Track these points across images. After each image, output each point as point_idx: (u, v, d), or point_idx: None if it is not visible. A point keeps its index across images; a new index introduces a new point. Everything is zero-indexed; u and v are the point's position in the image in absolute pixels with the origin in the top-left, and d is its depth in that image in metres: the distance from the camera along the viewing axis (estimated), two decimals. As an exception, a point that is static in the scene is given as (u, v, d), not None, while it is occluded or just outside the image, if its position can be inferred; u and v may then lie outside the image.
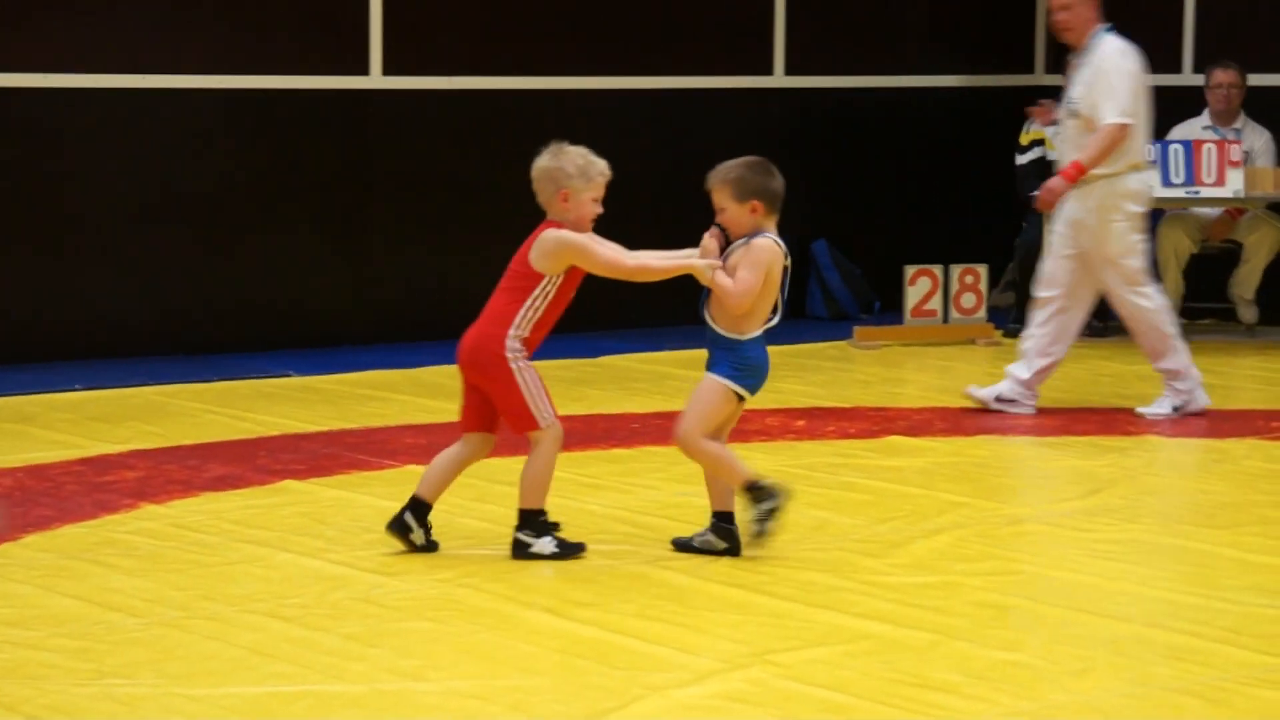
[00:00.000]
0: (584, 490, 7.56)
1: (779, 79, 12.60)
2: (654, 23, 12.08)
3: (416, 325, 11.36)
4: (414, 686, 5.19)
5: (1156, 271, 11.86)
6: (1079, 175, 8.98)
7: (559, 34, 11.77)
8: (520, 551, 6.50)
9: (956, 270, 11.62)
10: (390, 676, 5.27)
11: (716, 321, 6.52)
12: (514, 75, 11.56)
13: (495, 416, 6.60)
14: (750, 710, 4.98)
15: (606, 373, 10.38)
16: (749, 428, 8.88)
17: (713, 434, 6.53)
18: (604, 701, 5.03)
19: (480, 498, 7.38)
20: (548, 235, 6.45)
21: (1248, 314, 11.90)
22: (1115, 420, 9.07)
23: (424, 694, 5.12)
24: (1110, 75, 8.97)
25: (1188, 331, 11.78)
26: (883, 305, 12.53)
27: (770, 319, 6.54)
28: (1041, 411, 9.26)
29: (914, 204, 13.10)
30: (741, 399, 6.53)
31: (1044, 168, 12.07)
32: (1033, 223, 11.86)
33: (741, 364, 6.50)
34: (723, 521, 6.59)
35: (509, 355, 6.44)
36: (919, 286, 11.56)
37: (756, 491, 6.45)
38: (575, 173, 6.44)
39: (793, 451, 8.34)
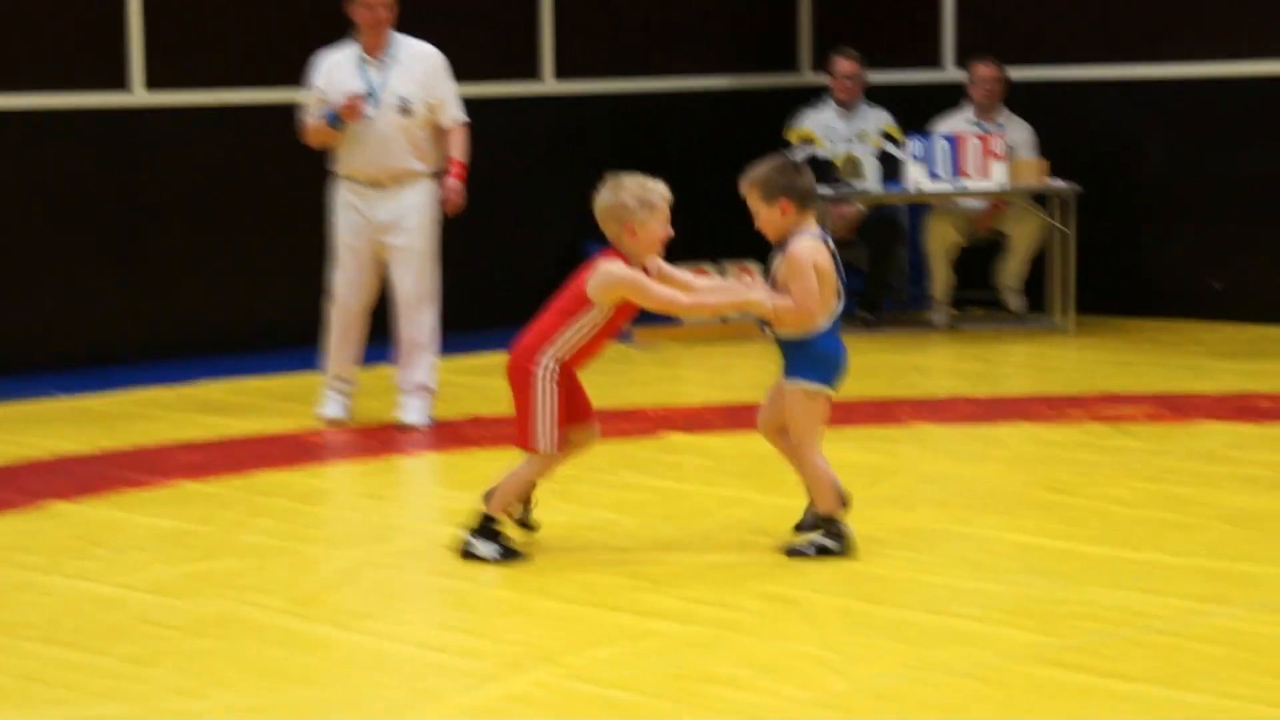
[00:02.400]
0: (364, 500, 7.50)
1: (548, 84, 12.61)
2: (421, 28, 12.01)
3: (188, 341, 11.19)
4: (194, 705, 5.09)
5: (926, 264, 12.06)
6: (466, 173, 9.13)
7: (324, 42, 11.66)
8: (465, 551, 6.48)
9: (731, 268, 11.69)
10: (170, 696, 5.18)
11: (781, 332, 6.50)
12: (279, 86, 11.44)
13: (579, 403, 6.58)
14: (535, 712, 4.96)
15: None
16: (529, 432, 8.86)
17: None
18: (387, 712, 4.98)
19: (256, 513, 7.28)
20: (603, 270, 6.44)
21: (1015, 303, 12.11)
22: (891, 410, 9.18)
23: (205, 712, 5.03)
24: (447, 74, 9.15)
25: (958, 322, 12.01)
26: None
27: (837, 307, 6.49)
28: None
29: (687, 203, 13.11)
30: (826, 395, 6.51)
31: (814, 165, 12.19)
32: (804, 220, 11.96)
33: (814, 360, 6.47)
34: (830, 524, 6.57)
35: (538, 371, 6.43)
36: (694, 286, 11.60)
37: (825, 525, 6.46)
38: (636, 205, 6.45)
39: (573, 454, 8.32)
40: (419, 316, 9.06)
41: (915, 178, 11.45)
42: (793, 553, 6.46)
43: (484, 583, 6.25)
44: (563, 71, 12.61)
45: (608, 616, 5.82)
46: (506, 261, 12.46)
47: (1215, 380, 9.76)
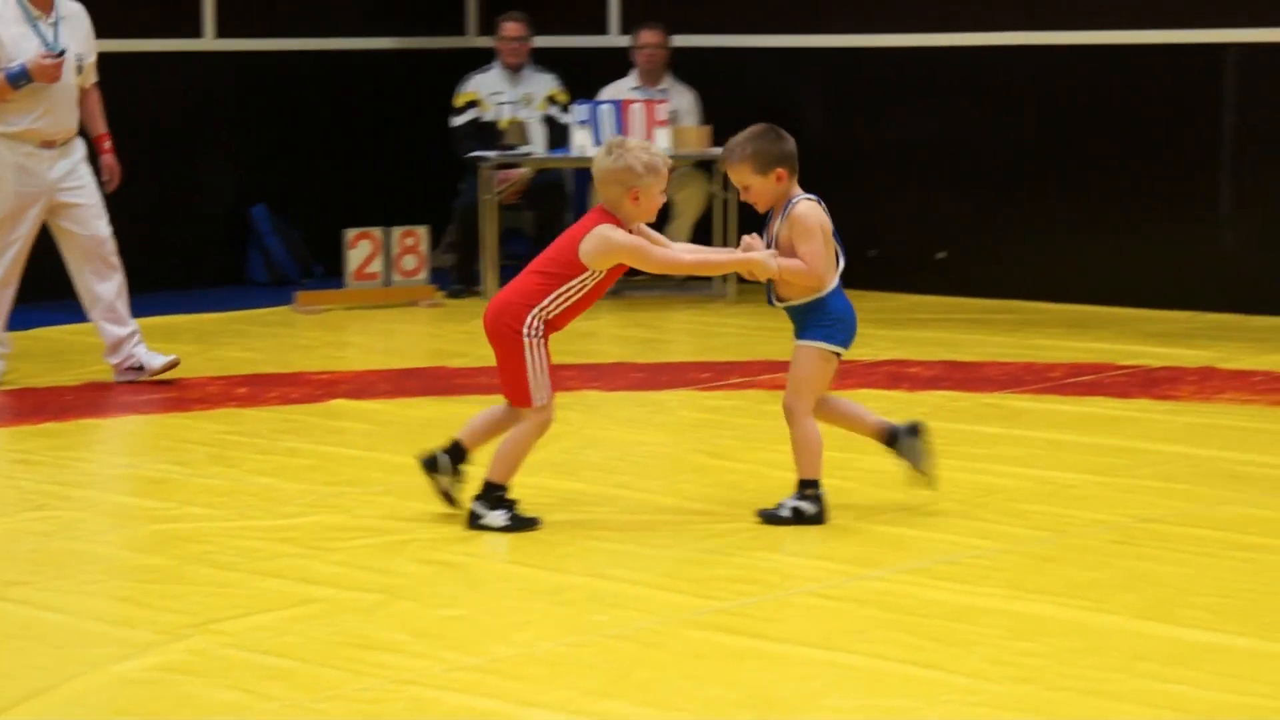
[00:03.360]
0: (17, 466, 7.32)
1: (209, 41, 12.41)
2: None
3: None
4: None
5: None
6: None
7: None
8: (473, 521, 6.36)
9: (397, 233, 11.65)
10: None
11: (789, 299, 6.43)
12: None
13: None
14: (190, 680, 4.89)
15: (41, 345, 10.07)
16: (189, 395, 8.74)
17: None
18: (37, 681, 4.87)
19: (-96, 479, 7.08)
20: (601, 236, 6.28)
21: (679, 269, 12.27)
22: (556, 377, 9.21)
23: None
24: (93, 32, 9.15)
25: (622, 288, 12.15)
26: (325, 269, 12.48)
27: (840, 266, 6.46)
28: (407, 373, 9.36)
29: (353, 167, 13.07)
30: (838, 355, 6.47)
31: (480, 129, 12.21)
32: (470, 184, 11.99)
33: (830, 320, 6.43)
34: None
35: (525, 332, 6.32)
36: (360, 249, 11.56)
37: (804, 488, 6.39)
38: (644, 171, 6.27)
39: (235, 419, 8.23)
40: (117, 263, 9.00)
41: (581, 142, 11.52)
42: (769, 518, 6.43)
43: (138, 550, 6.14)
44: (225, 29, 12.42)
45: (267, 583, 5.77)
46: (167, 224, 12.24)
47: (870, 347, 10.00)
